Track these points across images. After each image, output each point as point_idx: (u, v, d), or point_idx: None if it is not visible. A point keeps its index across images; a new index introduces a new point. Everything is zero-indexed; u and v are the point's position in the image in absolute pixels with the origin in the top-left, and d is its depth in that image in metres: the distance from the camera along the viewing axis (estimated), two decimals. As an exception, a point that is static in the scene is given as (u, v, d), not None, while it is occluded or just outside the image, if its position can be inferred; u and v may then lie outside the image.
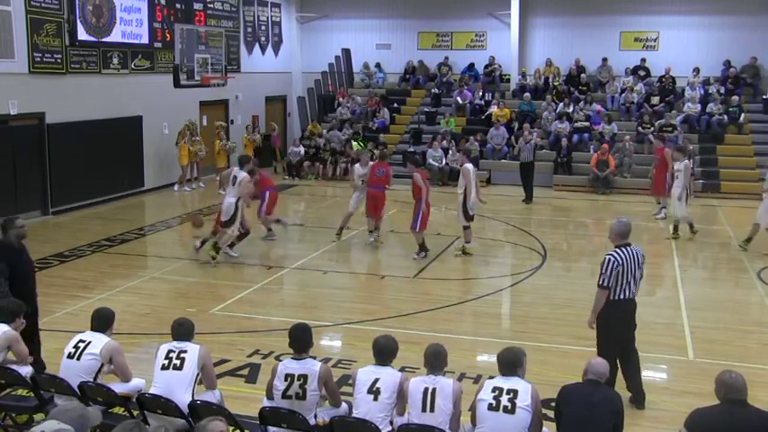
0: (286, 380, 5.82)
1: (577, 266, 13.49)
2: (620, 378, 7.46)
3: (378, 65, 26.28)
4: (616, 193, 20.02)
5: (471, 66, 25.26)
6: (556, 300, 11.00)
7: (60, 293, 11.01)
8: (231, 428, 5.73)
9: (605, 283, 7.16)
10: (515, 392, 5.31)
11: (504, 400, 5.30)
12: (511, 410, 5.27)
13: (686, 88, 22.67)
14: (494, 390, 5.37)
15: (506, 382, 5.39)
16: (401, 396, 5.72)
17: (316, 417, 5.87)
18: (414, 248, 13.30)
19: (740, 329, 9.90)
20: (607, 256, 7.22)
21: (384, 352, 5.87)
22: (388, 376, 5.73)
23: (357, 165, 14.80)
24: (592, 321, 7.40)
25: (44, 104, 16.24)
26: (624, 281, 7.19)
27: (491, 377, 5.73)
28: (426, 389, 5.53)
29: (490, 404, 5.33)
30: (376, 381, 5.70)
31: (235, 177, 12.55)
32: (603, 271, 7.16)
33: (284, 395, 5.82)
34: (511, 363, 5.48)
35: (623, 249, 7.28)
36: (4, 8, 15.10)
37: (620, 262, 7.17)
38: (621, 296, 7.20)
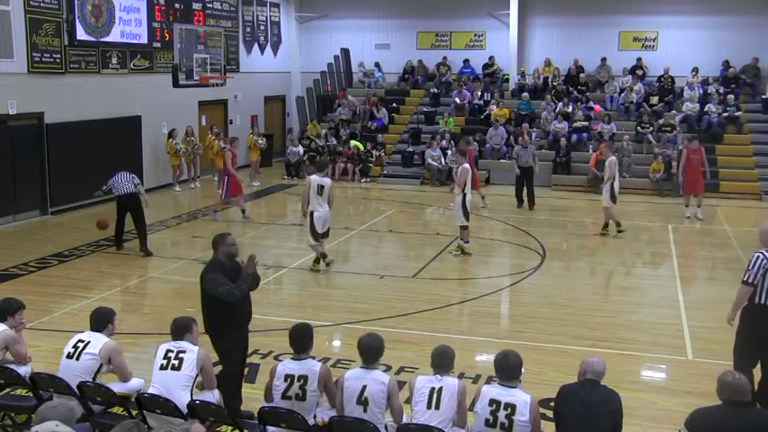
0: (286, 380, 5.81)
1: (576, 266, 13.48)
2: (618, 378, 7.45)
3: (377, 64, 26.28)
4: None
5: (467, 61, 25.27)
6: (555, 300, 11.00)
7: (60, 293, 11.02)
8: (230, 428, 5.73)
9: (750, 280, 6.79)
10: (513, 408, 5.26)
11: (502, 416, 5.26)
12: (508, 428, 5.25)
13: (685, 88, 22.66)
14: (491, 403, 5.32)
15: (504, 395, 5.33)
16: (392, 399, 5.68)
17: (315, 417, 5.86)
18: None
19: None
20: (756, 254, 6.86)
21: (369, 352, 5.79)
22: (376, 385, 5.66)
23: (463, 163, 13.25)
24: (731, 318, 7.06)
25: (43, 104, 16.23)
26: None
27: (489, 378, 5.73)
28: (433, 388, 5.52)
29: (487, 419, 5.31)
30: (363, 389, 5.64)
31: (321, 186, 11.85)
32: (750, 267, 6.80)
33: (284, 396, 5.81)
34: (508, 370, 5.43)
35: None
36: (4, 8, 15.09)
37: None
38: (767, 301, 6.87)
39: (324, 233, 12.18)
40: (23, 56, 15.60)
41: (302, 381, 5.78)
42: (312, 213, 11.96)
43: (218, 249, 6.92)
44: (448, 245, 13.99)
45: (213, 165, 20.47)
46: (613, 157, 15.17)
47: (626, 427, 5.43)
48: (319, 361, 6.18)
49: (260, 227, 16.18)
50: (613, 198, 14.72)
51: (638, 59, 23.92)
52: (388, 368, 7.66)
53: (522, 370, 5.54)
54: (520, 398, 5.31)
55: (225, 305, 6.61)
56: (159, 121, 19.97)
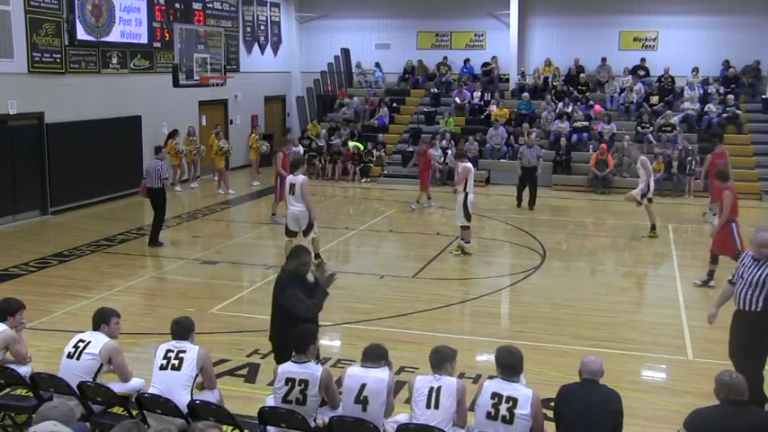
0: (287, 384, 5.77)
1: (577, 266, 13.48)
2: (618, 378, 7.45)
3: (377, 64, 26.27)
4: (615, 192, 19.99)
5: (467, 61, 25.29)
6: (555, 300, 11.00)
7: (60, 293, 11.02)
8: (230, 428, 5.73)
9: None
10: (515, 401, 5.27)
11: (503, 409, 5.27)
12: (509, 420, 5.25)
13: (685, 88, 22.66)
14: (493, 396, 5.33)
15: (506, 389, 5.34)
16: (389, 396, 5.67)
17: (315, 420, 5.84)
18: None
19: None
20: None
21: (371, 356, 5.79)
22: (375, 383, 5.64)
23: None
24: None
25: (43, 104, 16.23)
26: None
27: (491, 377, 5.72)
28: (432, 387, 5.52)
29: (489, 412, 5.31)
30: (363, 388, 5.63)
31: (292, 185, 11.88)
32: None
33: (284, 399, 5.77)
34: (512, 366, 5.44)
35: None
36: (4, 8, 15.09)
37: None
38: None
39: (304, 231, 11.99)
40: (23, 56, 15.60)
41: (303, 385, 5.74)
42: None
43: (290, 261, 6.91)
44: (448, 245, 13.98)
45: (213, 164, 20.47)
46: (644, 157, 15.21)
47: (626, 427, 5.43)
48: (319, 362, 6.17)
49: (260, 226, 16.17)
50: (643, 196, 14.69)
51: (642, 60, 23.93)
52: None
53: (523, 379, 5.56)
54: (522, 392, 5.33)
55: (298, 319, 6.54)
56: (159, 121, 19.97)
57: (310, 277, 6.99)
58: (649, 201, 14.86)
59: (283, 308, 6.71)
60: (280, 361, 6.55)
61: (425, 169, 18.36)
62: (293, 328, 6.39)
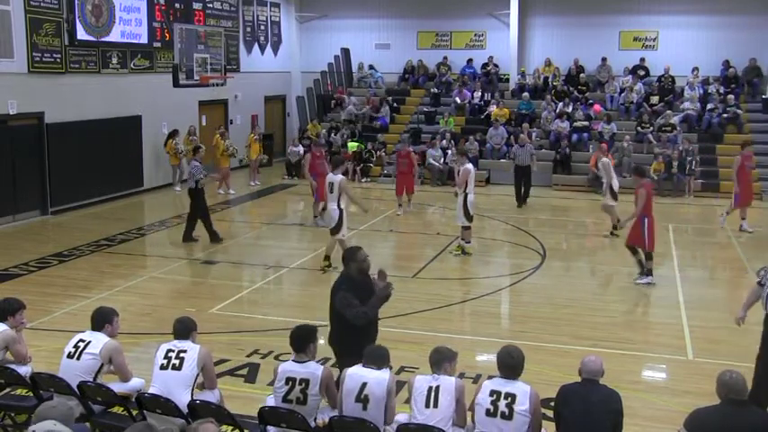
0: (287, 383, 5.76)
1: (577, 266, 13.48)
2: (618, 378, 7.45)
3: (371, 66, 26.25)
4: (615, 192, 19.98)
5: (470, 61, 25.31)
6: (555, 299, 11.00)
7: (60, 293, 11.02)
8: (230, 428, 5.72)
9: None
10: (513, 397, 5.29)
11: (502, 405, 5.29)
12: (508, 416, 5.27)
13: (685, 88, 22.67)
14: (492, 393, 5.35)
15: (505, 386, 5.37)
16: (389, 398, 5.65)
17: (315, 419, 5.83)
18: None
19: (740, 329, 9.87)
20: None
21: (373, 358, 5.76)
22: (377, 382, 5.62)
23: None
24: None
25: (43, 104, 16.23)
26: None
27: (490, 377, 5.73)
28: (431, 387, 5.53)
29: (488, 410, 5.32)
30: (363, 386, 5.61)
31: (331, 183, 11.96)
32: None
33: (285, 399, 5.77)
34: (512, 368, 5.45)
35: None
36: (4, 8, 15.09)
37: None
38: None
39: (333, 229, 12.01)
40: (23, 56, 15.60)
41: (303, 384, 5.73)
42: None
43: (350, 264, 6.76)
44: (448, 245, 13.98)
45: (216, 164, 20.40)
46: (605, 159, 15.41)
47: (626, 427, 5.43)
48: (319, 362, 6.17)
49: (260, 226, 16.17)
50: (615, 198, 14.85)
51: (642, 59, 23.93)
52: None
53: None
54: (520, 388, 5.36)
55: (350, 324, 6.49)
56: (159, 121, 19.97)
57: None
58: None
59: (339, 312, 6.61)
60: (341, 366, 6.45)
61: (408, 172, 17.70)
62: (348, 334, 6.38)
